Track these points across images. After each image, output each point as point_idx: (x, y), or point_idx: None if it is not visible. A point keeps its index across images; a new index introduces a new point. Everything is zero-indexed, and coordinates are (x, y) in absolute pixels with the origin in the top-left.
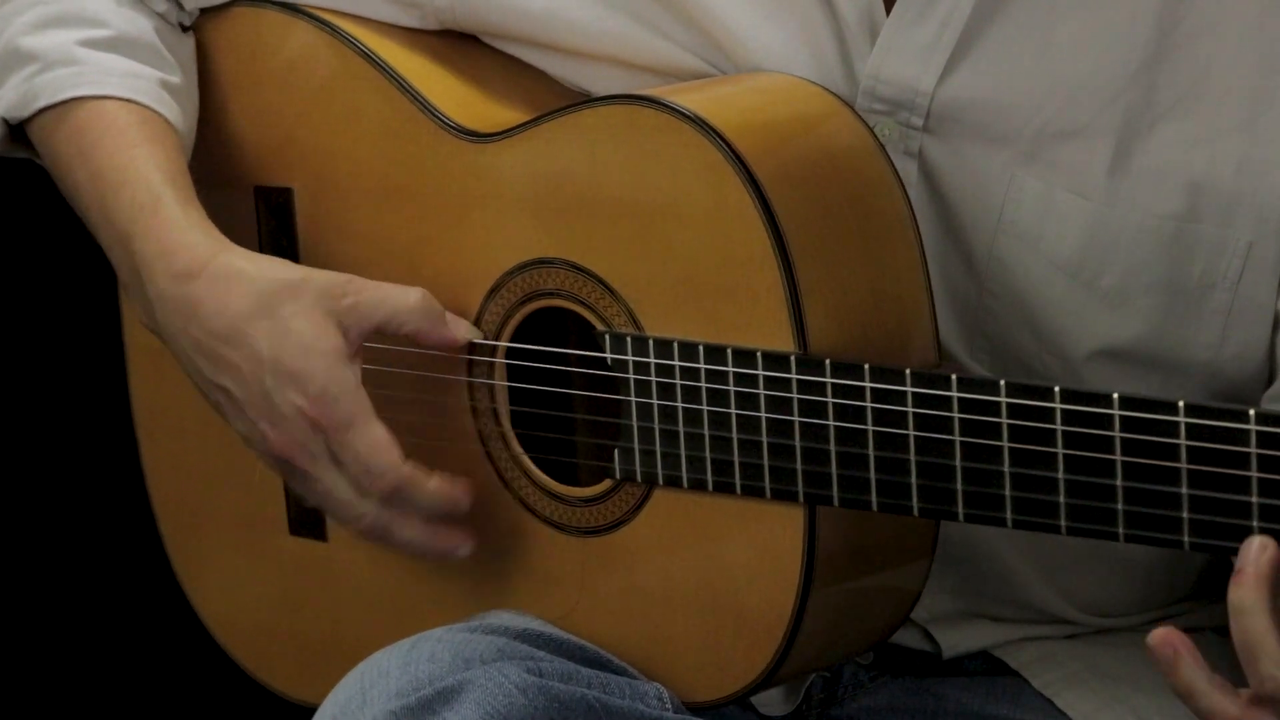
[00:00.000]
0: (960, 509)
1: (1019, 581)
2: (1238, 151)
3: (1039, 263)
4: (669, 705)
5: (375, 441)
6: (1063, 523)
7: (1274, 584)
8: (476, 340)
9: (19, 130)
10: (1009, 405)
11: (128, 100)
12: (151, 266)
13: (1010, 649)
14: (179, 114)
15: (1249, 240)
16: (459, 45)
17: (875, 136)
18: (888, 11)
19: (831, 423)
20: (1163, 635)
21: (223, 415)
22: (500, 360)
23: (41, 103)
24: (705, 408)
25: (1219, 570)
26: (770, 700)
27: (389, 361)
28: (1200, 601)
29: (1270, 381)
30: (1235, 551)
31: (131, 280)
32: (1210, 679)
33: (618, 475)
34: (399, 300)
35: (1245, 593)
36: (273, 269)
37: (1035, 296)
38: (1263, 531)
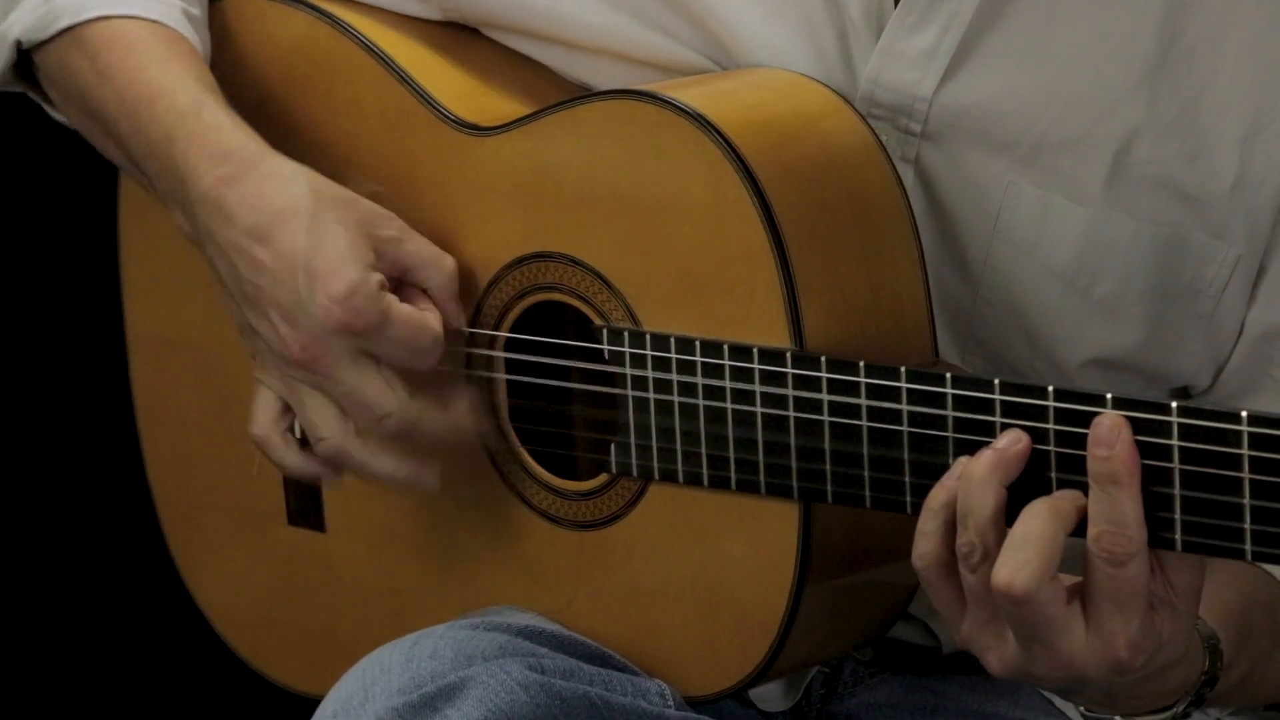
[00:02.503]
0: None
1: None
2: (1235, 166)
3: (1034, 270)
4: (671, 702)
5: (412, 321)
6: None
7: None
8: (471, 331)
9: (24, 65)
10: (1003, 403)
11: (153, 21)
12: (196, 168)
13: None
14: (200, 43)
15: (1239, 254)
16: (459, 37)
17: (875, 134)
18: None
19: (826, 419)
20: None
21: (243, 314)
22: (499, 353)
23: (64, 22)
24: (701, 403)
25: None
26: (771, 696)
27: None
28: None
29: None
30: (1228, 552)
31: (172, 186)
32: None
33: (614, 470)
34: (436, 256)
35: (979, 465)
36: (323, 181)
37: (1030, 304)
38: (1255, 534)
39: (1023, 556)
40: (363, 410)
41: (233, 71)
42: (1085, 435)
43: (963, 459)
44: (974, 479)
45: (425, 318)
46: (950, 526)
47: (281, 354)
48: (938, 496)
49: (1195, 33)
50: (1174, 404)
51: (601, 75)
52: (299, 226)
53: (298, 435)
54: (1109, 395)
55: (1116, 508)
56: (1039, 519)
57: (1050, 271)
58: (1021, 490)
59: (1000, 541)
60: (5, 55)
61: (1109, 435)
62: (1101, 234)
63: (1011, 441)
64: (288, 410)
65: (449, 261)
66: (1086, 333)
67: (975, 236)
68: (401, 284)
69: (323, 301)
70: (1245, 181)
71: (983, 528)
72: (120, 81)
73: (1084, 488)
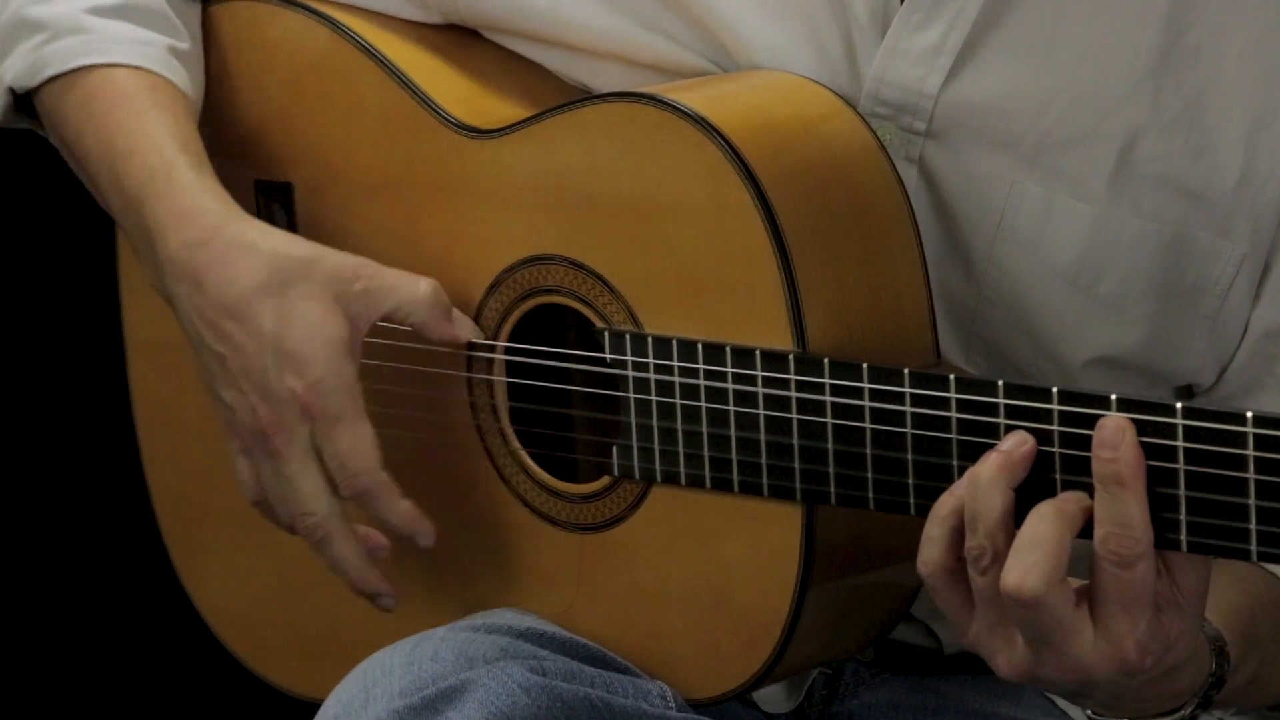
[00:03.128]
0: None
1: None
2: (1239, 164)
3: (1038, 269)
4: (672, 704)
5: (360, 440)
6: None
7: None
8: (477, 340)
9: (24, 101)
10: (1007, 406)
11: (137, 67)
12: (163, 230)
13: None
14: (188, 80)
15: (1244, 252)
16: (460, 40)
17: (876, 137)
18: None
19: (830, 421)
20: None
21: (211, 381)
22: (499, 357)
23: (50, 71)
24: (703, 405)
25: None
26: (773, 698)
27: (389, 356)
28: None
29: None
30: (1233, 552)
31: (142, 245)
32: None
33: (616, 472)
34: (409, 290)
35: (986, 468)
36: (285, 244)
37: (1033, 303)
38: (1260, 535)
39: (1031, 559)
40: (292, 500)
41: (232, 76)
42: (1090, 437)
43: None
44: (981, 481)
45: (371, 445)
46: (957, 533)
47: (249, 423)
48: (945, 503)
49: (1199, 30)
50: (1179, 405)
51: (602, 78)
52: (267, 307)
53: None
54: (1113, 397)
55: (1122, 509)
56: (1046, 521)
57: (1054, 270)
58: (1027, 493)
59: (1009, 544)
60: (1, 100)
61: (1114, 437)
62: (1105, 233)
63: (1018, 443)
64: None
65: (424, 289)
66: (1090, 332)
67: (979, 235)
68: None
69: (290, 384)
70: (1250, 178)
71: (992, 530)
72: (101, 135)
73: (1089, 489)
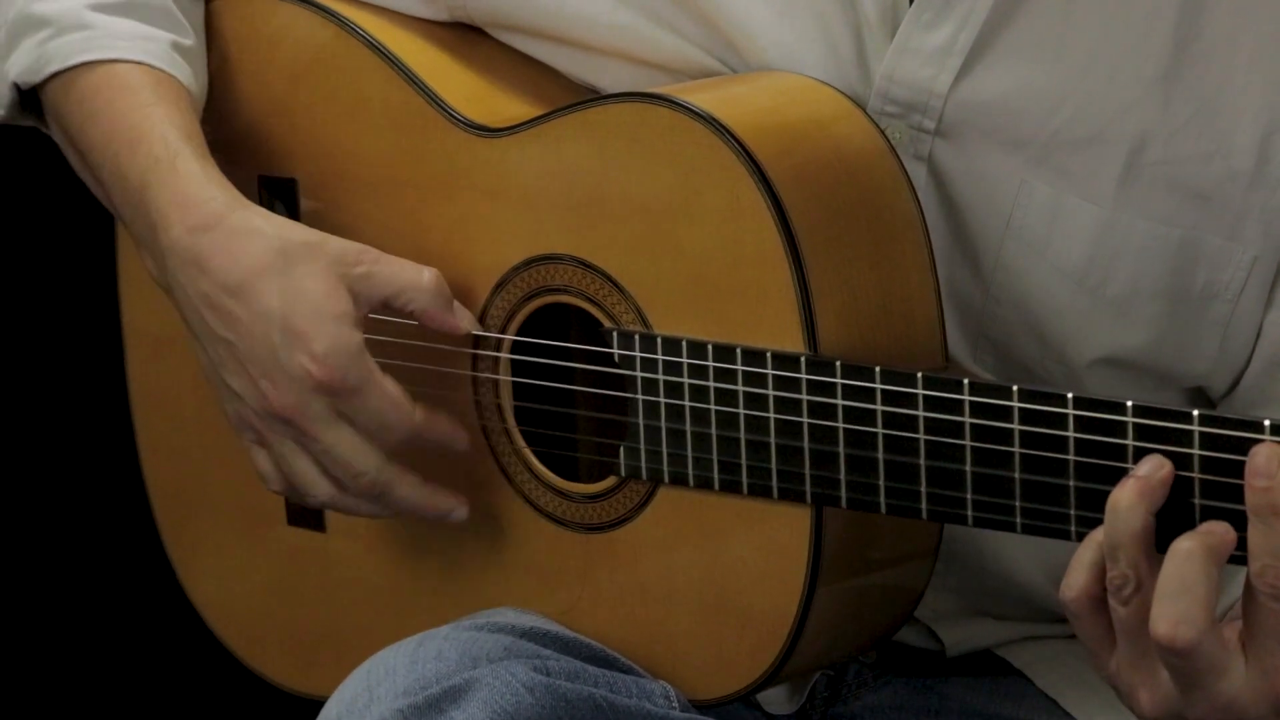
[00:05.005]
0: (970, 513)
1: (1022, 580)
2: (1250, 167)
3: (1046, 269)
4: (676, 704)
5: (388, 397)
6: (1073, 529)
7: (1158, 500)
8: (476, 333)
9: (29, 98)
10: (1021, 410)
11: (140, 63)
12: (167, 217)
13: (1013, 649)
14: (191, 76)
15: (1254, 254)
16: (466, 38)
17: (886, 139)
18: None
19: (841, 425)
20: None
21: (217, 370)
22: (505, 355)
23: (53, 67)
24: (713, 407)
25: None
26: (775, 699)
27: (393, 354)
28: None
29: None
30: (1245, 561)
31: (145, 234)
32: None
33: (623, 473)
34: (412, 276)
35: (1126, 494)
36: (289, 228)
37: (1041, 303)
38: None
39: (1182, 607)
40: (339, 468)
41: (236, 70)
42: (1104, 443)
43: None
44: (1120, 509)
45: (400, 396)
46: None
47: (262, 408)
48: (1099, 531)
49: (1211, 34)
50: (1195, 413)
51: (609, 77)
52: (272, 286)
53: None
54: (1129, 404)
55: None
56: (1193, 562)
57: (1062, 270)
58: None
59: (1151, 571)
60: (7, 96)
61: (1267, 465)
62: (1113, 233)
63: (1154, 467)
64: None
65: (427, 277)
66: (1097, 332)
67: (987, 235)
68: (388, 309)
69: (301, 360)
70: (1262, 181)
71: (1133, 558)
72: (104, 127)
73: (1100, 493)
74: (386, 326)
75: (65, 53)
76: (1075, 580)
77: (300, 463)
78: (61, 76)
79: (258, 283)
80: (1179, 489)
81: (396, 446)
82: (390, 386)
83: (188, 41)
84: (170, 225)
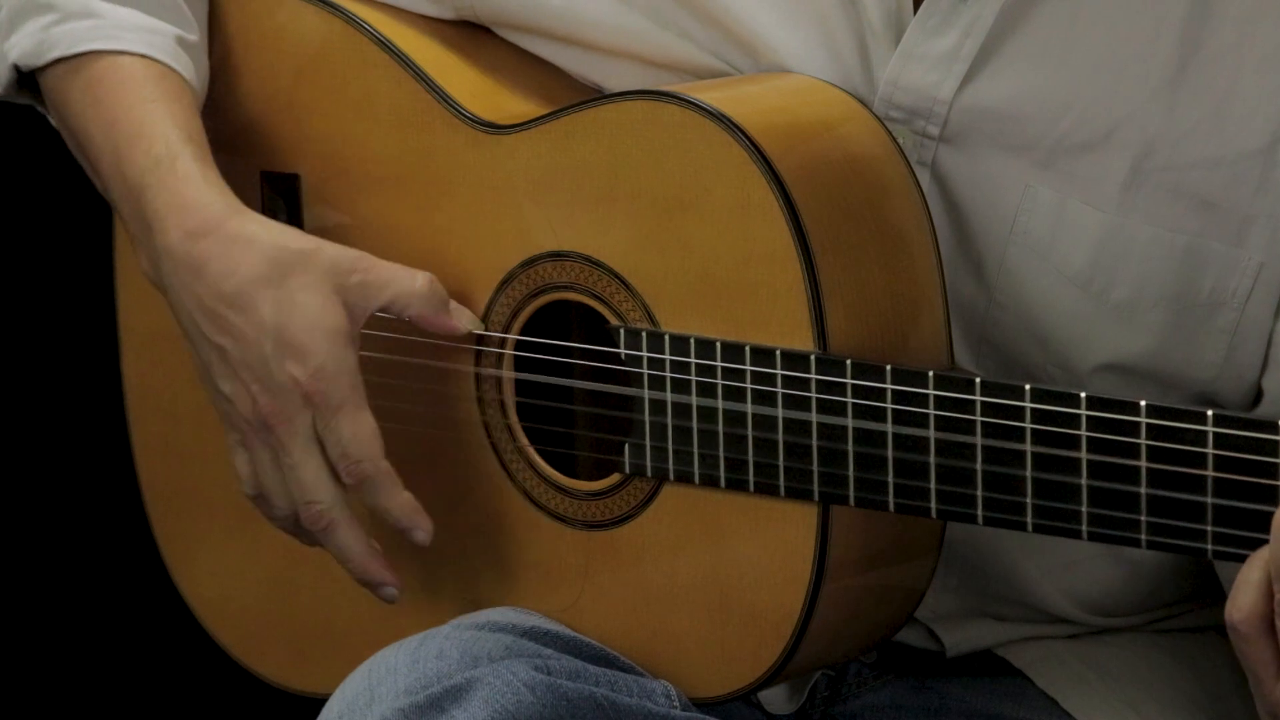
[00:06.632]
0: (980, 512)
1: (1023, 581)
2: (1256, 175)
3: (1049, 274)
4: (676, 703)
5: (362, 427)
6: (1084, 529)
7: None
8: (478, 331)
9: (26, 78)
10: (1033, 410)
11: (144, 56)
12: (164, 220)
13: (1013, 648)
14: (194, 72)
15: (1260, 261)
16: (472, 36)
17: (894, 140)
18: (914, 15)
19: (851, 423)
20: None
21: (209, 373)
22: (509, 352)
23: (56, 53)
24: (720, 405)
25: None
26: (775, 698)
27: (395, 350)
28: (1202, 602)
29: (1256, 402)
30: None
31: (140, 233)
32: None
33: (627, 470)
34: (406, 283)
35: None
36: (284, 236)
37: (1044, 308)
38: None
39: None
40: (297, 489)
41: (239, 64)
42: (1117, 442)
43: None
44: None
45: (373, 435)
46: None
47: (251, 415)
48: (1266, 550)
49: (1218, 41)
50: (1209, 413)
51: (615, 77)
52: (267, 297)
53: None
54: (1142, 404)
55: None
56: None
57: (1065, 275)
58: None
59: None
60: (5, 76)
61: None
62: (1117, 238)
63: None
64: None
65: (420, 282)
66: (1100, 338)
67: (991, 239)
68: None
69: (292, 373)
70: (1269, 188)
71: None
72: (105, 119)
73: (1111, 492)
74: (390, 323)
75: (70, 40)
76: (1244, 601)
77: (272, 476)
78: (64, 63)
79: (253, 293)
80: (1191, 488)
81: (356, 485)
82: (367, 419)
83: (192, 37)
84: (167, 229)
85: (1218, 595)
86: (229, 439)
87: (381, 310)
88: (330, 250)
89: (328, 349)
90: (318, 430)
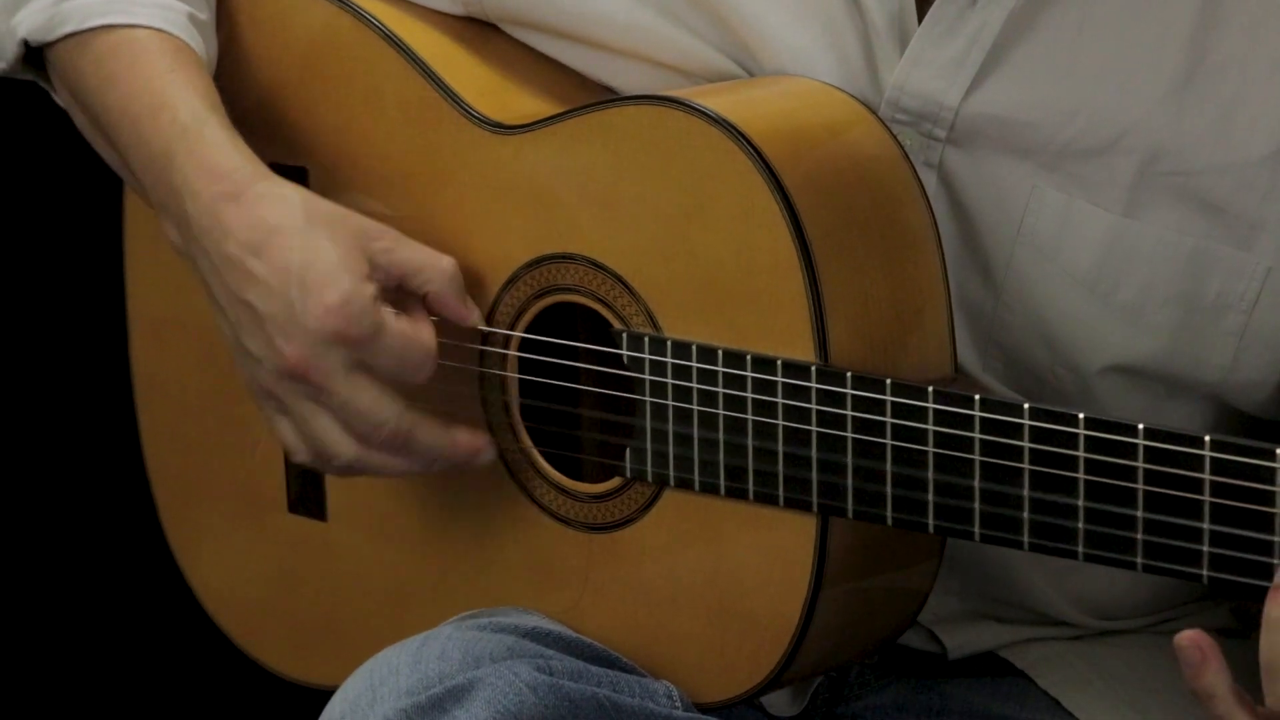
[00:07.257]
0: (976, 529)
1: (1025, 584)
2: (1265, 181)
3: (1056, 275)
4: (678, 704)
5: (405, 334)
6: (1080, 549)
7: None
8: (484, 329)
9: (33, 54)
10: (1031, 429)
11: (159, 30)
12: (193, 185)
13: (1016, 649)
14: (204, 50)
15: (1269, 266)
16: (480, 34)
17: (900, 145)
18: (919, 19)
19: (850, 435)
20: (1191, 637)
21: (235, 335)
22: (513, 352)
23: (69, 28)
24: (721, 412)
25: None
26: (778, 701)
27: None
28: (1204, 605)
29: (1275, 402)
30: (1248, 589)
31: (168, 200)
32: (1231, 688)
33: (628, 474)
34: (432, 259)
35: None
36: (316, 199)
37: (1051, 309)
38: None
39: None
40: (359, 421)
41: (245, 55)
42: (1115, 464)
43: None
44: None
45: (419, 331)
46: None
47: (277, 367)
48: None
49: (1226, 47)
50: (1207, 438)
51: (624, 77)
52: (292, 243)
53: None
54: (1140, 426)
55: None
56: None
57: (1072, 276)
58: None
59: None
60: (13, 51)
61: None
62: (1124, 240)
63: None
64: None
65: (446, 262)
66: (1107, 339)
67: (998, 241)
68: (401, 291)
69: (316, 311)
70: (1277, 193)
71: None
72: (123, 91)
73: (1108, 514)
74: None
75: (82, 14)
76: (1277, 639)
77: (321, 421)
78: (75, 37)
79: (279, 239)
80: (1187, 512)
81: (426, 381)
82: (405, 325)
83: (203, 15)
84: (198, 194)
85: (1219, 598)
86: (266, 412)
87: (402, 281)
88: (359, 218)
89: (351, 284)
90: (361, 362)
